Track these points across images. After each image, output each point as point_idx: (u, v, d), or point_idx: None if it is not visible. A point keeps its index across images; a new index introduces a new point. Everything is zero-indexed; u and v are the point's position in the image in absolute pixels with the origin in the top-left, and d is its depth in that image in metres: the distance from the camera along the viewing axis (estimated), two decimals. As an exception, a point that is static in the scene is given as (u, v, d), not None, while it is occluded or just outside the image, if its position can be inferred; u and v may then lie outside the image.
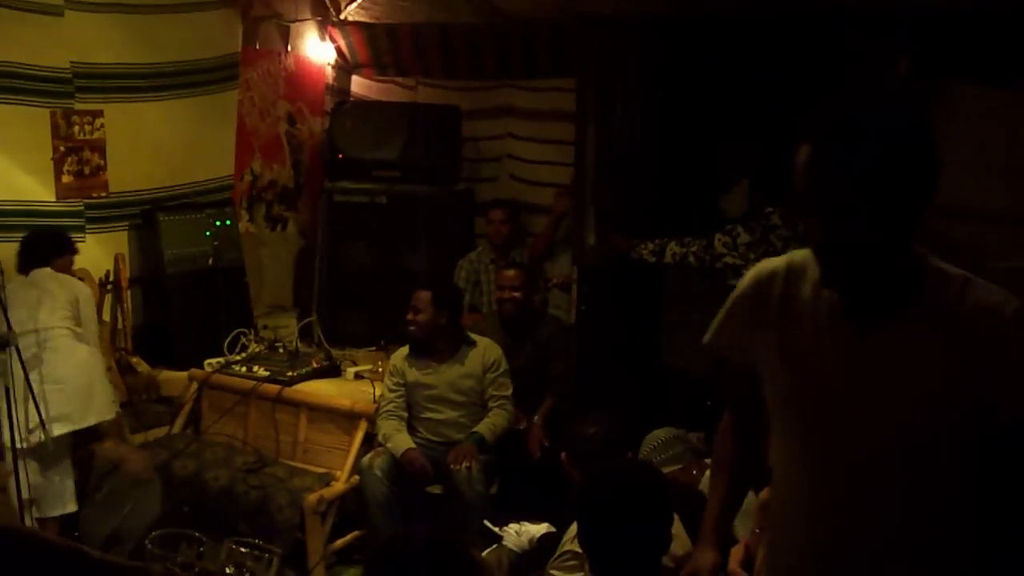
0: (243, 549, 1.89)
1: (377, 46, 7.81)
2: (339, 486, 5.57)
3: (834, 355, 2.11)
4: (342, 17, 7.68)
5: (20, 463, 4.88)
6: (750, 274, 2.34)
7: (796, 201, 2.01)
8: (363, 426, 5.78)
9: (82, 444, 5.61)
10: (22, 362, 4.95)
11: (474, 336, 5.82)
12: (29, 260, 5.66)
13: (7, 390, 4.90)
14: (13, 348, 4.91)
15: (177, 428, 6.18)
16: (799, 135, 2.05)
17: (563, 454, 4.24)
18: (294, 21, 7.73)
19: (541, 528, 4.44)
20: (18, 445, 4.93)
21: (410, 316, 5.71)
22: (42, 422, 5.11)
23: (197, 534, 1.89)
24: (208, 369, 6.31)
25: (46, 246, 5.76)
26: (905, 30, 5.62)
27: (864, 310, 2.09)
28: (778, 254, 2.33)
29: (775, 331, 2.21)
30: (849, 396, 2.09)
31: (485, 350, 5.75)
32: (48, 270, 5.63)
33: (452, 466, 5.37)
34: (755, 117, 5.97)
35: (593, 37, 6.38)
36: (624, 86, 6.39)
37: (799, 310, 2.18)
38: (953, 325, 2.00)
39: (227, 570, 1.86)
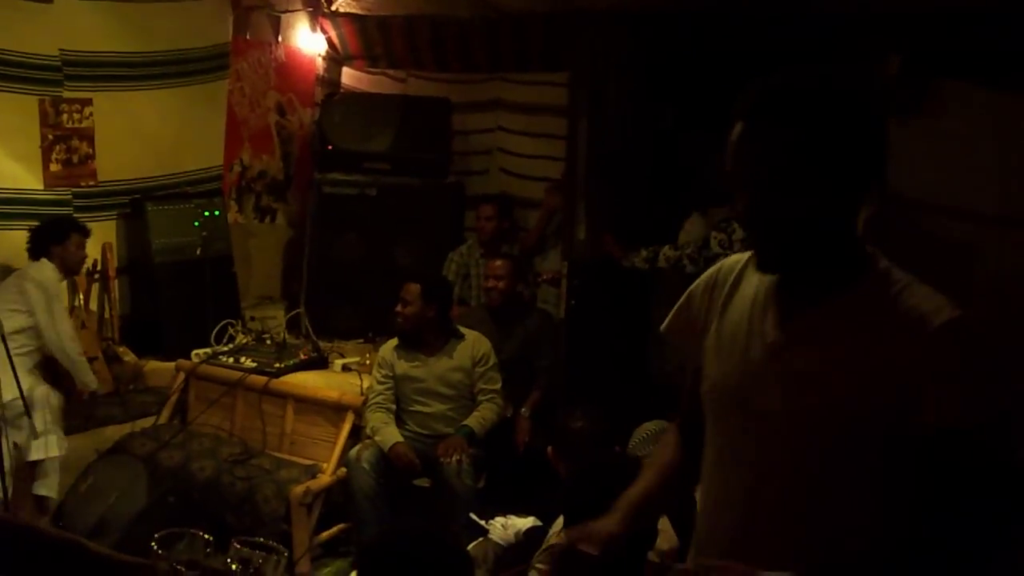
0: (247, 549, 1.87)
1: (368, 38, 7.80)
2: (325, 478, 5.55)
3: (757, 340, 2.04)
4: (333, 8, 7.67)
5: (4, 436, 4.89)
6: (714, 266, 2.28)
7: (727, 179, 1.97)
8: (350, 418, 5.76)
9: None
10: (7, 351, 4.94)
11: (463, 329, 5.81)
12: (31, 252, 5.71)
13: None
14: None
15: (164, 418, 6.16)
16: (735, 113, 2.00)
17: (549, 448, 4.24)
18: (285, 12, 7.72)
19: (527, 522, 4.44)
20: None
21: (399, 309, 5.70)
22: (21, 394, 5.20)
23: (204, 534, 1.87)
24: (195, 359, 6.29)
25: (43, 236, 5.77)
26: (896, 29, 5.63)
27: (793, 294, 2.01)
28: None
29: (716, 320, 2.16)
30: (762, 383, 2.01)
31: (474, 343, 5.74)
32: (33, 262, 5.65)
33: (442, 459, 5.37)
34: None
35: (586, 31, 6.37)
36: (616, 81, 6.39)
37: (740, 298, 2.12)
38: (880, 326, 1.90)
39: (232, 567, 1.84)
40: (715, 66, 6.19)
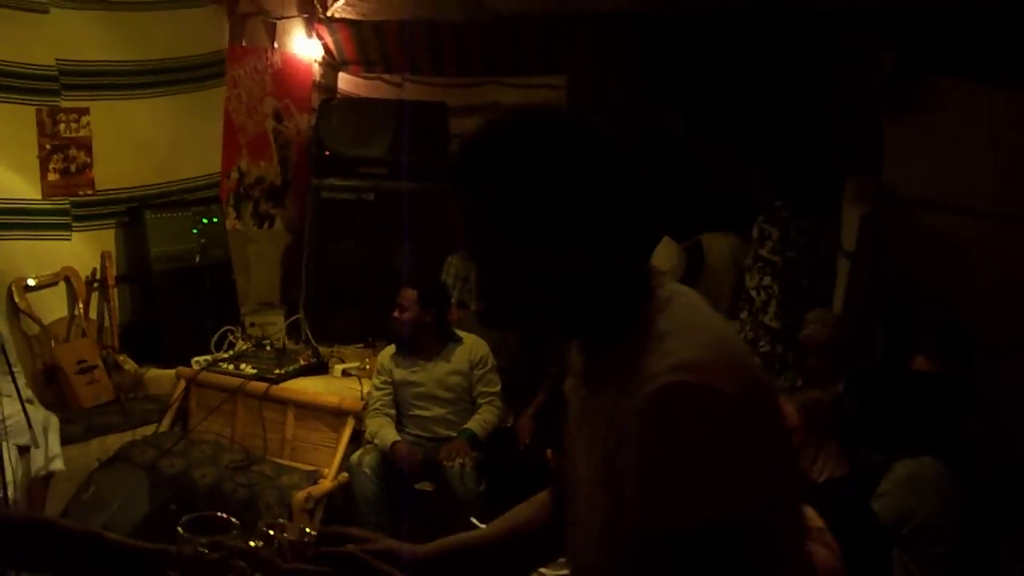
0: (272, 531, 1.89)
1: (364, 43, 7.81)
2: (327, 483, 5.57)
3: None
4: (329, 14, 7.67)
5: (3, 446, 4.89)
6: None
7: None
8: (351, 423, 5.78)
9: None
10: (7, 362, 4.96)
11: (460, 333, 5.81)
12: None
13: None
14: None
15: (165, 426, 6.18)
16: None
17: (549, 451, 4.24)
18: (281, 18, 7.73)
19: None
20: None
21: (396, 314, 5.71)
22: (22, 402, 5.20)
23: (232, 518, 1.89)
24: (195, 367, 6.31)
25: None
26: (891, 27, 5.65)
27: (584, 374, 1.71)
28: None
29: None
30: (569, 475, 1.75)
31: (472, 346, 5.75)
32: None
33: (445, 462, 5.38)
34: (744, 113, 6.01)
35: (584, 34, 6.39)
36: (615, 83, 6.40)
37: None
38: (617, 398, 1.54)
39: (252, 543, 1.85)
40: (712, 66, 6.23)
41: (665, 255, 6.41)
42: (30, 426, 5.19)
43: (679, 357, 1.45)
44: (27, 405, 5.28)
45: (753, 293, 5.96)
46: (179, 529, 1.82)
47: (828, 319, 5.19)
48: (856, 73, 6.05)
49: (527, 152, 1.58)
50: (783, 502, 1.53)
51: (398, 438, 5.50)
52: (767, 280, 5.89)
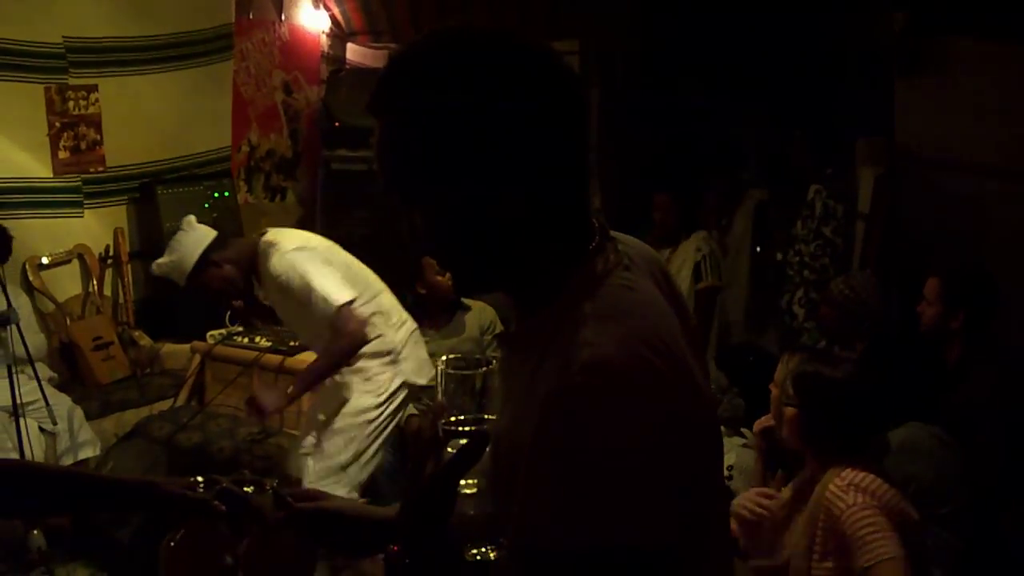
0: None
1: (371, 13, 7.78)
2: (343, 455, 5.58)
3: None
4: (336, -15, 7.65)
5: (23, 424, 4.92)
6: None
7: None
8: (366, 395, 5.78)
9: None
10: (22, 337, 4.98)
11: (467, 300, 5.83)
12: None
13: (8, 366, 4.92)
14: (13, 325, 4.93)
15: (181, 400, 6.19)
16: None
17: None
18: (287, -10, 7.71)
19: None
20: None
21: (425, 279, 5.72)
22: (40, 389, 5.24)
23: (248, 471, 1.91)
24: (210, 341, 6.32)
25: None
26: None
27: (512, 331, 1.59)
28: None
29: None
30: None
31: (480, 312, 5.78)
32: None
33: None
34: (754, 73, 5.98)
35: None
36: (626, 47, 6.37)
37: None
38: (535, 367, 1.39)
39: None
40: (724, 27, 6.19)
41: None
42: (47, 403, 5.20)
43: (592, 353, 1.28)
44: (48, 388, 5.31)
45: (807, 272, 5.91)
46: (199, 479, 1.84)
47: (853, 278, 5.14)
48: (867, 32, 6.01)
49: (449, 75, 1.38)
50: (695, 526, 1.35)
51: (414, 412, 5.51)
52: (824, 261, 5.85)
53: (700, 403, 1.41)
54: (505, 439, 1.40)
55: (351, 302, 4.27)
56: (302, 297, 4.28)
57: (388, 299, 4.66)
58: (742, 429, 4.97)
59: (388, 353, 4.55)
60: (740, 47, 6.22)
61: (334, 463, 4.52)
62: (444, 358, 1.48)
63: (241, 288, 4.54)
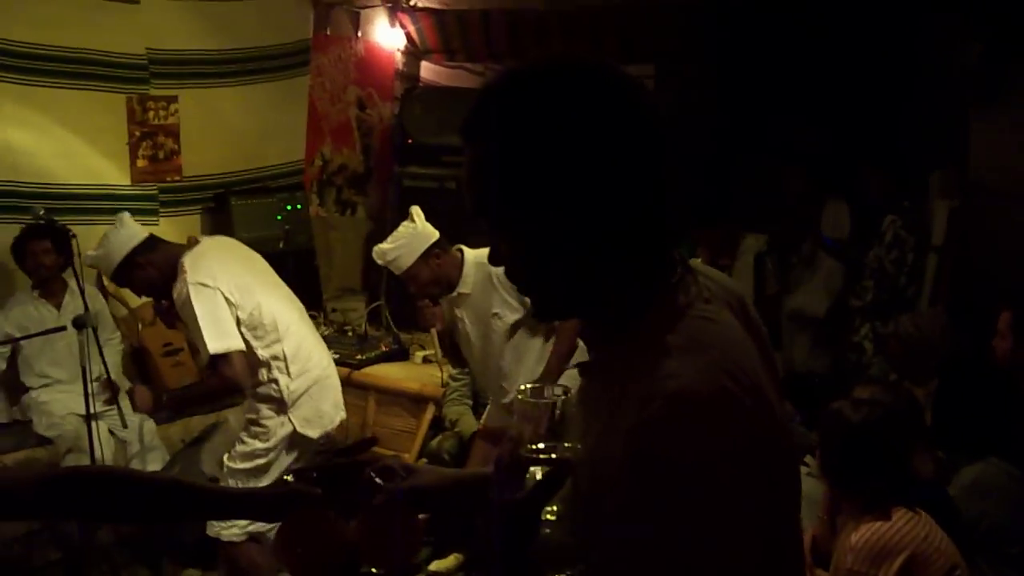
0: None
1: (446, 32, 7.83)
2: (407, 469, 5.61)
3: None
4: (411, 3, 7.71)
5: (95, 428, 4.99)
6: None
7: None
8: (431, 409, 5.83)
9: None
10: (97, 342, 5.05)
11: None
12: None
13: (84, 369, 4.99)
14: (89, 329, 5.01)
15: (247, 409, 6.26)
16: None
17: None
18: (364, 7, 7.79)
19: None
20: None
21: None
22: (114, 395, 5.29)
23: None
24: (278, 351, 6.38)
25: None
26: (977, 15, 5.56)
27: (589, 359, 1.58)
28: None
29: None
30: None
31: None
32: None
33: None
34: (826, 97, 5.97)
35: (671, 22, 6.36)
36: (703, 73, 6.37)
37: None
38: (619, 395, 1.39)
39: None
40: (798, 58, 6.17)
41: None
42: (119, 408, 5.26)
43: (676, 384, 1.30)
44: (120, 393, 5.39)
45: (873, 299, 5.87)
46: (288, 478, 1.89)
47: (920, 317, 5.10)
48: (942, 63, 5.96)
49: (539, 108, 1.39)
50: (773, 553, 1.37)
51: (478, 426, 5.53)
52: (897, 285, 5.81)
53: (779, 433, 1.43)
54: (586, 467, 1.40)
55: (230, 352, 4.27)
56: (190, 326, 4.37)
57: (294, 345, 4.57)
58: (807, 458, 4.93)
59: (277, 400, 4.50)
60: (812, 76, 6.19)
61: None
62: (522, 386, 1.50)
63: (162, 291, 4.52)
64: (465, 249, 4.83)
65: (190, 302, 4.25)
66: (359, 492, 1.79)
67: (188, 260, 4.38)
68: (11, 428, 5.67)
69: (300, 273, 7.04)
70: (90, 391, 4.85)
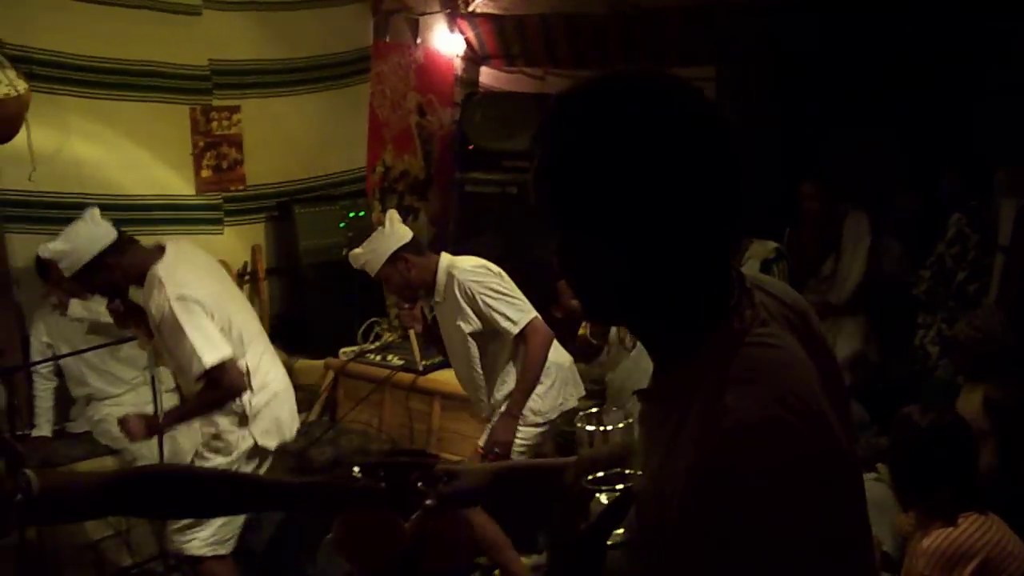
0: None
1: (505, 37, 7.84)
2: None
3: None
4: (470, 9, 7.74)
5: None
6: None
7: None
8: (496, 415, 5.81)
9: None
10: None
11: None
12: None
13: (152, 376, 5.03)
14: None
15: (314, 415, 6.30)
16: None
17: None
18: (423, 14, 7.81)
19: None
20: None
21: (561, 304, 5.72)
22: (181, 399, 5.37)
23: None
24: (343, 358, 6.42)
25: None
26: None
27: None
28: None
29: None
30: None
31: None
32: None
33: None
34: (891, 100, 5.90)
35: (732, 25, 6.32)
36: (761, 74, 6.32)
37: None
38: (679, 420, 1.39)
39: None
40: (861, 55, 6.11)
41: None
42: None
43: (734, 420, 1.29)
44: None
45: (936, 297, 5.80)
46: (355, 470, 1.94)
47: (976, 317, 5.02)
48: (1008, 58, 5.88)
49: (609, 122, 1.38)
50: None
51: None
52: (958, 282, 5.74)
53: (840, 459, 1.40)
54: (648, 494, 1.41)
55: (224, 361, 4.25)
56: (171, 342, 4.29)
57: (256, 358, 4.56)
58: (877, 465, 4.86)
59: (239, 414, 4.48)
60: (876, 74, 6.13)
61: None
62: (581, 413, 1.53)
63: (122, 293, 4.47)
64: (443, 256, 4.80)
65: (174, 318, 4.20)
66: (414, 495, 1.86)
67: (163, 271, 4.29)
68: (82, 437, 5.73)
69: (364, 280, 7.06)
70: (158, 397, 4.89)
